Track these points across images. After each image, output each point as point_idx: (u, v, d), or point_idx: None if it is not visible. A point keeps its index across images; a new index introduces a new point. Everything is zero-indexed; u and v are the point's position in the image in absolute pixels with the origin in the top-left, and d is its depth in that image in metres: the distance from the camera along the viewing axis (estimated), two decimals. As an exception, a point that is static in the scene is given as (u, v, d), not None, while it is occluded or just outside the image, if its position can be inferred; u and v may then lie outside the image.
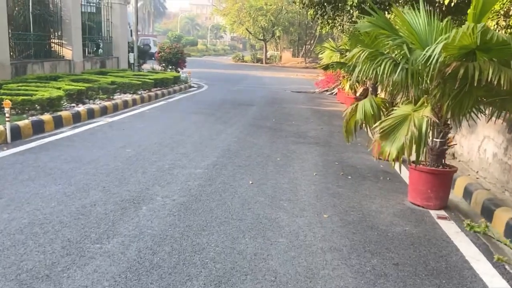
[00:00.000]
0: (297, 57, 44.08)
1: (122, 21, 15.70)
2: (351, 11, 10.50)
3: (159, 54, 18.20)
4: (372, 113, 5.23)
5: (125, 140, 6.83)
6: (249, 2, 37.01)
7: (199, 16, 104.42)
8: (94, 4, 15.11)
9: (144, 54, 17.24)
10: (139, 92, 11.93)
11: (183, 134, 7.58)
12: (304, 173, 5.66)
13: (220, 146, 6.86)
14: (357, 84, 12.17)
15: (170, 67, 18.17)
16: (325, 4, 10.39)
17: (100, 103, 9.58)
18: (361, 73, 4.66)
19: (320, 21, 11.91)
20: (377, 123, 4.66)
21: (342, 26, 11.49)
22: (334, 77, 15.09)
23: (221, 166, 5.70)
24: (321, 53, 13.90)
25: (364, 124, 5.51)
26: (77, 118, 8.19)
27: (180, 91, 14.77)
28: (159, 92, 12.96)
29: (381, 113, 5.45)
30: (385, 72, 4.22)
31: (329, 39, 13.50)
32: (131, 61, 14.72)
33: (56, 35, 12.53)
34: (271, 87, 18.70)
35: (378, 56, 4.37)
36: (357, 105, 5.47)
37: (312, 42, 42.21)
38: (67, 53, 12.68)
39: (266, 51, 43.41)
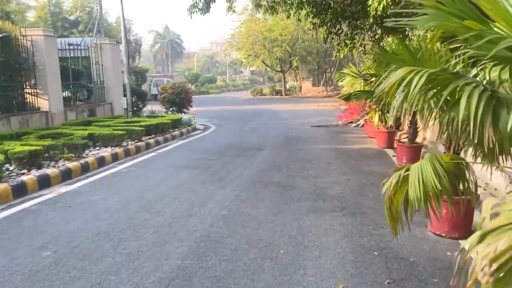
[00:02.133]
0: (318, 86, 42.09)
1: (115, 63, 14.01)
2: (374, 27, 8.35)
3: (162, 96, 16.43)
4: (439, 188, 2.80)
5: (55, 230, 4.63)
6: (263, 34, 35.51)
7: (218, 54, 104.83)
8: (80, 47, 13.47)
9: (143, 97, 15.48)
10: (124, 144, 9.93)
11: (151, 207, 5.39)
12: (323, 284, 3.33)
13: (198, 229, 4.61)
14: (387, 116, 9.85)
15: (173, 108, 16.32)
16: (340, 20, 8.26)
17: (63, 164, 7.57)
18: (410, 106, 2.44)
19: (337, 42, 9.77)
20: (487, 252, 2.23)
21: (364, 47, 9.28)
22: (359, 107, 12.78)
23: (183, 281, 3.43)
24: (341, 81, 11.70)
25: (422, 206, 3.06)
26: (19, 192, 6.15)
27: (181, 136, 12.75)
28: (151, 141, 10.95)
29: (456, 186, 3.10)
30: (474, 108, 1.93)
31: (350, 64, 11.32)
32: (124, 106, 12.91)
33: (29, 84, 10.78)
34: (288, 123, 16.51)
35: (452, 81, 2.09)
36: (407, 171, 3.07)
37: (332, 69, 40.19)
38: (43, 104, 10.90)
39: (285, 83, 41.61)
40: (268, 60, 38.46)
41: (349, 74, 10.38)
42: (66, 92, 12.70)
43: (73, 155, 8.11)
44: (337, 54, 9.86)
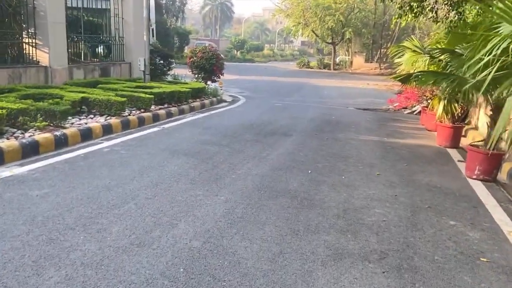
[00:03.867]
0: (371, 62, 38.89)
1: (137, 17, 12.25)
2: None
3: (190, 60, 14.63)
4: None
5: None
6: (316, 1, 32.66)
7: (269, 21, 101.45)
8: (98, -5, 11.82)
9: (169, 58, 13.74)
10: (125, 114, 8.27)
11: (94, 222, 3.65)
12: None
13: (138, 280, 2.82)
14: (455, 106, 7.61)
15: (202, 75, 14.51)
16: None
17: (30, 135, 5.97)
18: None
19: (399, 5, 7.47)
20: None
21: (435, 12, 6.95)
22: (418, 91, 10.42)
23: None
24: (398, 57, 9.39)
25: None
26: None
27: (201, 108, 10.98)
28: (162, 112, 9.23)
29: None
30: None
31: (411, 37, 8.98)
32: (141, 68, 11.23)
33: (27, 33, 9.24)
34: (329, 102, 14.34)
35: None
36: None
37: (388, 45, 36.84)
38: (43, 57, 9.37)
39: (335, 56, 38.72)
40: (318, 30, 35.66)
41: (410, 49, 8.08)
42: (77, 46, 11.15)
43: (48, 124, 6.51)
44: (397, 22, 7.56)
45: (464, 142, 8.02)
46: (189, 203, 4.21)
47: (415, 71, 8.00)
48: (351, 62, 39.78)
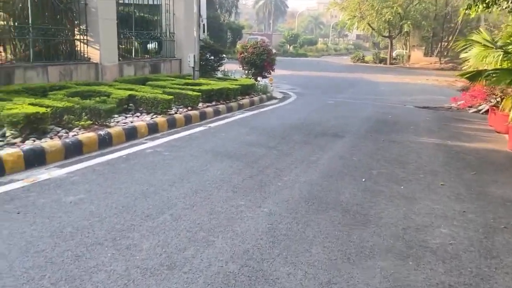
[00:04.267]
0: (430, 56, 36.90)
1: (188, 13, 12.10)
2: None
3: (241, 55, 14.35)
4: None
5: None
6: (373, -8, 31.37)
7: (324, 14, 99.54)
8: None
9: (219, 54, 13.51)
10: (172, 112, 8.08)
11: (124, 237, 3.37)
12: None
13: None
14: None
15: (252, 71, 14.18)
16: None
17: (74, 135, 5.88)
18: None
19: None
20: None
21: (512, 1, 6.12)
22: (486, 89, 9.45)
23: None
24: (465, 51, 8.55)
25: None
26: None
27: (250, 106, 10.65)
28: (209, 110, 8.98)
29: None
30: None
31: (479, 30, 8.11)
32: (191, 64, 11.06)
33: (79, 30, 9.29)
34: (386, 99, 13.53)
35: None
36: None
37: (450, 38, 34.79)
38: (94, 54, 9.41)
39: (392, 50, 37.09)
40: (375, 23, 34.26)
41: (479, 43, 7.26)
42: (128, 43, 11.16)
43: (93, 123, 6.40)
44: (466, 13, 6.77)
45: (541, 147, 7.11)
46: (229, 216, 3.85)
47: (485, 67, 7.21)
48: (409, 56, 37.97)
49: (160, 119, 7.52)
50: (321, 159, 5.96)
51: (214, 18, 31.64)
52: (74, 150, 5.58)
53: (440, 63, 33.93)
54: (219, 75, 13.32)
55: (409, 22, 32.35)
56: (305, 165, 5.64)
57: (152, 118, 7.53)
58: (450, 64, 33.49)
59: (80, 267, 2.86)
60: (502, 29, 10.01)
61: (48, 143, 5.37)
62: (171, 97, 8.02)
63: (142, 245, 3.21)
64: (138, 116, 7.66)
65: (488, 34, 8.10)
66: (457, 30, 33.00)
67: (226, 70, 14.25)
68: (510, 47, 6.14)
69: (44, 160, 5.17)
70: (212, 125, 8.09)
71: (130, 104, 8.02)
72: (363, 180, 5.14)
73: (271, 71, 14.59)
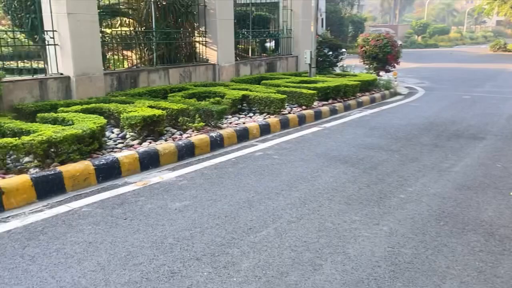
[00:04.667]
0: None
1: (305, 8, 11.68)
2: None
3: (362, 49, 13.53)
4: None
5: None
6: (518, -30, 27.39)
7: (458, 1, 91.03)
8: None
9: (337, 49, 12.84)
10: (285, 111, 7.76)
11: (222, 253, 3.08)
12: None
13: None
14: None
15: (374, 65, 13.25)
16: None
17: (188, 136, 5.88)
18: None
19: None
20: None
21: None
22: None
23: None
24: None
25: None
26: (106, 172, 4.66)
27: (371, 103, 9.86)
28: (325, 108, 8.47)
29: None
30: None
31: None
32: (307, 61, 10.62)
33: (199, 31, 9.48)
34: (536, 93, 11.52)
35: None
36: None
37: None
38: (211, 55, 9.54)
39: (542, 35, 32.09)
40: (520, 5, 29.95)
41: None
42: (245, 42, 11.16)
43: (206, 124, 6.36)
44: None
45: None
46: (340, 233, 3.33)
47: None
48: None
49: (272, 119, 7.24)
50: (456, 166, 5.06)
51: (334, 12, 30.81)
52: (186, 152, 5.55)
53: None
54: (338, 71, 12.65)
55: None
56: (435, 173, 4.82)
57: (264, 119, 7.28)
58: None
59: (174, 285, 2.63)
60: None
61: (163, 145, 5.41)
62: (284, 96, 7.68)
63: (241, 264, 2.88)
64: (251, 117, 7.47)
65: None
66: None
67: (345, 65, 13.53)
68: None
69: (158, 162, 5.20)
70: (327, 125, 7.56)
71: (244, 104, 7.90)
72: (511, 193, 4.18)
73: (395, 64, 13.49)
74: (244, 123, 6.97)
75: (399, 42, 35.91)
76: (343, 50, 21.33)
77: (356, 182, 4.52)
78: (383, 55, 13.00)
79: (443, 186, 4.38)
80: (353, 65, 13.61)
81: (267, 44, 13.08)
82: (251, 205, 3.89)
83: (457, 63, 22.59)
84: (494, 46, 34.39)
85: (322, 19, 12.87)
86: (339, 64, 13.40)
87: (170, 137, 5.87)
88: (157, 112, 5.76)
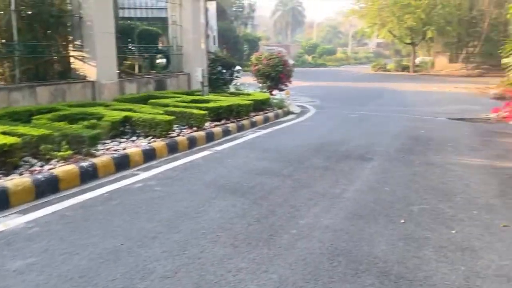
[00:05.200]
0: (455, 62, 35.28)
1: (195, 24, 11.24)
2: None
3: (255, 67, 13.42)
4: None
5: None
6: (393, -2, 30.14)
7: (342, 24, 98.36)
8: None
9: (231, 68, 12.59)
10: (173, 134, 7.13)
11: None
12: None
13: None
14: None
15: (267, 83, 13.22)
16: None
17: (50, 169, 4.95)
18: None
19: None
20: None
21: None
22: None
23: None
24: (511, 55, 7.40)
25: None
26: None
27: (264, 123, 9.65)
28: (217, 130, 8.02)
29: None
30: None
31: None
32: (199, 79, 10.15)
33: (74, 45, 8.49)
34: (415, 111, 12.34)
35: None
36: None
37: (476, 43, 33.20)
38: (90, 71, 8.58)
39: (415, 57, 35.65)
40: (396, 30, 32.95)
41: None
42: (131, 58, 10.34)
43: (75, 152, 5.47)
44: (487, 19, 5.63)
45: None
46: (223, 288, 2.80)
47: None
48: (433, 63, 36.42)
49: (158, 143, 6.57)
50: (347, 192, 4.87)
51: (229, 30, 30.97)
52: (48, 188, 4.64)
53: (467, 70, 32.32)
54: (232, 89, 12.36)
55: (432, 28, 30.95)
56: (327, 200, 4.57)
57: (149, 143, 6.58)
58: (477, 70, 31.89)
59: None
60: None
61: (15, 181, 4.45)
62: (172, 117, 7.08)
63: None
64: (133, 141, 6.73)
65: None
66: (483, 35, 31.42)
67: (239, 84, 13.31)
68: None
69: (7, 203, 4.24)
70: (219, 148, 7.08)
71: (127, 126, 7.12)
72: (402, 221, 4.03)
73: (287, 83, 13.61)
74: (124, 148, 6.20)
75: (291, 61, 37.39)
76: (239, 68, 21.32)
77: (245, 217, 4.05)
78: (276, 74, 13.04)
79: (335, 216, 4.11)
80: (246, 84, 13.48)
81: (160, 61, 12.36)
82: (118, 257, 3.20)
83: (344, 82, 23.88)
84: (375, 66, 37.34)
85: (214, 36, 12.54)
86: (235, 82, 13.16)
87: (27, 169, 4.91)
88: (10, 140, 4.78)
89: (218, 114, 8.58)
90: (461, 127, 9.62)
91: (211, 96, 9.88)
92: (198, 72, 10.13)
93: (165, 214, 4.09)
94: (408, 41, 34.99)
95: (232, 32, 31.57)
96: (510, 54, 6.85)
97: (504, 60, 7.26)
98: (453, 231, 3.83)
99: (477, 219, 4.16)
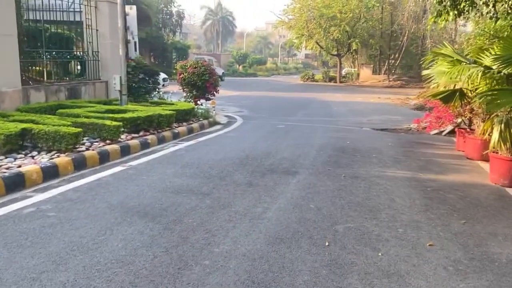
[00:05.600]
0: (378, 74, 36.99)
1: (113, 29, 10.44)
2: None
3: (180, 76, 12.83)
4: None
5: None
6: (320, 11, 30.93)
7: (272, 35, 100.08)
8: (68, 1, 10.03)
9: (155, 76, 11.89)
10: (82, 148, 6.39)
11: None
12: None
13: None
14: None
15: (193, 93, 12.68)
16: None
17: None
18: None
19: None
20: None
21: (493, 6, 5.01)
22: (452, 110, 8.38)
23: None
24: (430, 67, 7.55)
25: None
26: None
27: (188, 134, 9.12)
28: (134, 142, 7.36)
29: None
30: None
31: (443, 43, 7.14)
32: (117, 87, 9.39)
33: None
34: (341, 121, 12.42)
35: None
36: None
37: (397, 56, 35.02)
38: (-13, 78, 7.55)
39: (341, 68, 36.87)
40: (323, 41, 33.86)
41: (451, 57, 6.16)
42: (40, 64, 9.35)
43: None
44: (435, 19, 5.65)
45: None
46: None
47: (458, 86, 6.13)
48: (358, 75, 37.90)
49: (62, 159, 5.81)
50: (269, 211, 4.49)
51: (157, 37, 30.02)
52: None
53: (389, 81, 33.95)
54: (156, 99, 11.67)
55: (356, 40, 32.16)
56: (247, 222, 4.15)
57: (51, 158, 5.81)
58: (399, 81, 33.61)
59: None
60: (465, 42, 9.10)
61: None
62: (79, 130, 6.33)
63: None
64: (33, 156, 5.91)
65: (452, 47, 7.08)
66: (403, 48, 33.21)
67: (163, 93, 12.66)
68: (485, 60, 4.97)
69: None
70: (134, 163, 6.45)
71: (29, 140, 6.27)
72: (326, 244, 3.71)
73: (214, 92, 13.16)
74: (19, 166, 5.39)
75: (222, 71, 37.17)
76: (165, 76, 20.59)
77: (152, 246, 3.52)
78: (202, 83, 12.53)
79: (255, 241, 3.70)
80: (170, 93, 12.88)
81: (73, 67, 11.38)
82: (-22, 310, 2.54)
83: (273, 92, 23.92)
84: (304, 76, 38.11)
85: (136, 42, 11.77)
86: (162, 91, 12.47)
87: None
88: None
89: (136, 125, 7.93)
90: (385, 137, 9.72)
91: (129, 106, 9.16)
92: (116, 80, 9.37)
93: (56, 246, 3.44)
94: (335, 52, 36.12)
95: (161, 40, 30.61)
96: (430, 66, 6.93)
97: (424, 72, 7.36)
98: (379, 254, 3.57)
99: (403, 238, 3.95)
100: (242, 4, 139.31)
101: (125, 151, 7.03)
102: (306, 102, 18.27)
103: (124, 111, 8.37)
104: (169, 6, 31.98)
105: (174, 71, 28.42)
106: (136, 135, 7.83)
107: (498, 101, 4.05)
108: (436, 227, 4.27)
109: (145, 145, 7.57)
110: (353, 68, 40.57)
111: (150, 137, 7.87)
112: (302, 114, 14.01)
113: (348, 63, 42.81)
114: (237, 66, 49.08)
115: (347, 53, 36.20)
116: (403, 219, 4.45)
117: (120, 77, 9.40)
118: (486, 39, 7.52)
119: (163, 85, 19.44)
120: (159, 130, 8.38)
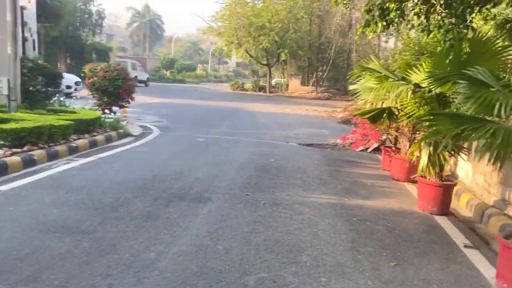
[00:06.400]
0: (307, 85, 37.32)
1: (1, 23, 8.89)
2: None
3: (90, 80, 11.49)
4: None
5: None
6: (249, 19, 30.49)
7: (203, 41, 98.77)
8: None
9: (55, 80, 10.45)
10: None
11: None
12: None
13: None
14: (443, 155, 5.24)
15: (105, 100, 11.39)
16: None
17: None
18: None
19: (366, 8, 5.02)
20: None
21: (426, 18, 4.49)
22: (379, 129, 7.97)
23: None
24: (356, 81, 7.07)
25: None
26: None
27: (91, 148, 7.90)
28: (13, 159, 6.07)
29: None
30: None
31: (370, 57, 6.70)
32: (4, 91, 7.94)
33: None
34: (267, 134, 11.76)
35: None
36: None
37: (324, 68, 35.54)
38: None
39: (270, 78, 36.71)
40: (252, 50, 33.48)
41: (380, 73, 5.64)
42: None
43: None
44: (363, 30, 5.10)
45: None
46: None
47: (388, 103, 5.62)
48: (287, 85, 37.99)
49: None
50: (164, 257, 3.55)
51: (74, 37, 27.83)
52: None
53: (317, 93, 34.29)
54: (56, 105, 10.22)
55: (286, 51, 32.11)
56: (131, 276, 3.18)
57: None
58: (326, 93, 34.06)
59: None
60: (392, 57, 8.81)
61: None
62: None
63: None
64: None
65: (379, 62, 6.63)
66: (331, 61, 33.74)
67: (62, 99, 11.18)
68: (434, 78, 4.43)
69: None
70: (4, 187, 5.18)
71: None
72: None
73: (129, 100, 11.96)
74: None
75: (146, 76, 35.38)
76: (78, 80, 18.75)
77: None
78: (115, 89, 11.31)
79: (135, 310, 2.73)
80: (74, 98, 11.44)
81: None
82: None
83: (200, 100, 22.90)
84: (234, 85, 37.48)
85: (34, 40, 10.26)
86: (78, 95, 11.05)
87: None
88: None
89: (20, 138, 6.59)
90: (310, 154, 9.15)
91: (17, 114, 7.75)
92: (3, 83, 7.92)
93: None
94: (264, 62, 35.89)
95: (78, 40, 28.42)
96: (358, 81, 6.41)
97: (351, 87, 6.85)
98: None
99: (326, 285, 3.20)
100: (172, 8, 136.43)
101: (2, 171, 5.72)
102: (232, 112, 17.50)
103: (8, 121, 6.99)
104: (88, 5, 29.81)
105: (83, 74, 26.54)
106: (19, 150, 6.50)
107: (436, 128, 3.50)
108: (364, 272, 3.59)
109: (29, 162, 6.28)
110: (283, 79, 40.67)
111: (37, 153, 6.58)
112: (226, 125, 13.19)
113: (278, 73, 42.88)
114: (165, 71, 47.40)
115: (277, 63, 36.12)
116: (326, 262, 3.72)
117: (8, 80, 7.98)
118: (412, 54, 7.16)
119: (75, 89, 17.68)
120: (51, 144, 7.09)
